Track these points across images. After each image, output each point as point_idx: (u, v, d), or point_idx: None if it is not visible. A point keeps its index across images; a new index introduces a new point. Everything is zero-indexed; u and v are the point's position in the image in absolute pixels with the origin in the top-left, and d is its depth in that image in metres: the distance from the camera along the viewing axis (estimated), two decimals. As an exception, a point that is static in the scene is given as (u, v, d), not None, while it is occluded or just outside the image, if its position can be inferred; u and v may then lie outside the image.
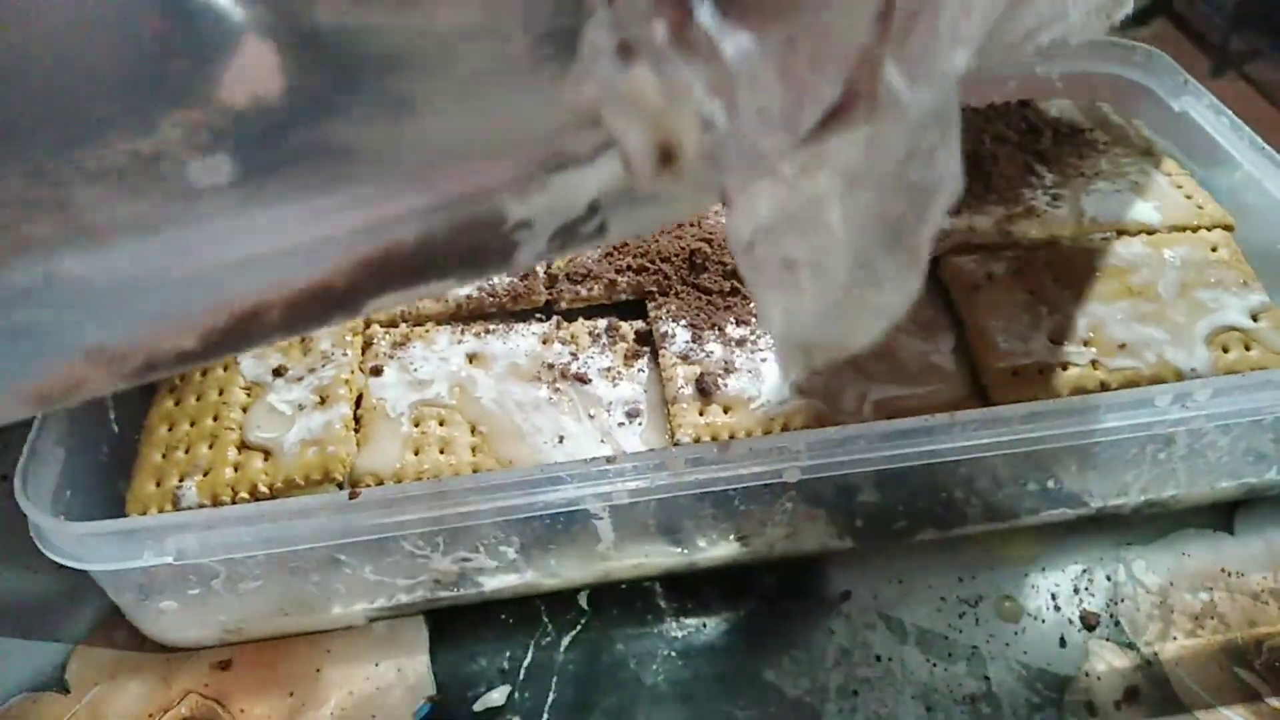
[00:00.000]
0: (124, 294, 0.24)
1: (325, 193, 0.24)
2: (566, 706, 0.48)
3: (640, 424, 0.51)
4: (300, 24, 0.22)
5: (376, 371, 0.52)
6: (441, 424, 0.51)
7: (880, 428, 0.47)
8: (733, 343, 0.53)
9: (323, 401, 0.51)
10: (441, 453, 0.49)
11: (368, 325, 0.55)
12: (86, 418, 0.50)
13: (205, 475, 0.49)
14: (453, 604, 0.51)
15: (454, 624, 0.51)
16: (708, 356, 0.52)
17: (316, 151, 0.24)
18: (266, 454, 0.49)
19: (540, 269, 0.56)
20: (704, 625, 0.51)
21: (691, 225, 0.58)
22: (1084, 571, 0.53)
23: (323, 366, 0.53)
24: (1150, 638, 0.49)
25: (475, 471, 0.48)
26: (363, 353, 0.54)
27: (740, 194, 0.24)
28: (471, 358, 0.53)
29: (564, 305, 0.56)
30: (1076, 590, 0.52)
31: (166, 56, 0.22)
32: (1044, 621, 0.51)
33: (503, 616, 0.52)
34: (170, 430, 0.52)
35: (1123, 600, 0.51)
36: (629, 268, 0.56)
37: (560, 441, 0.50)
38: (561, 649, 0.50)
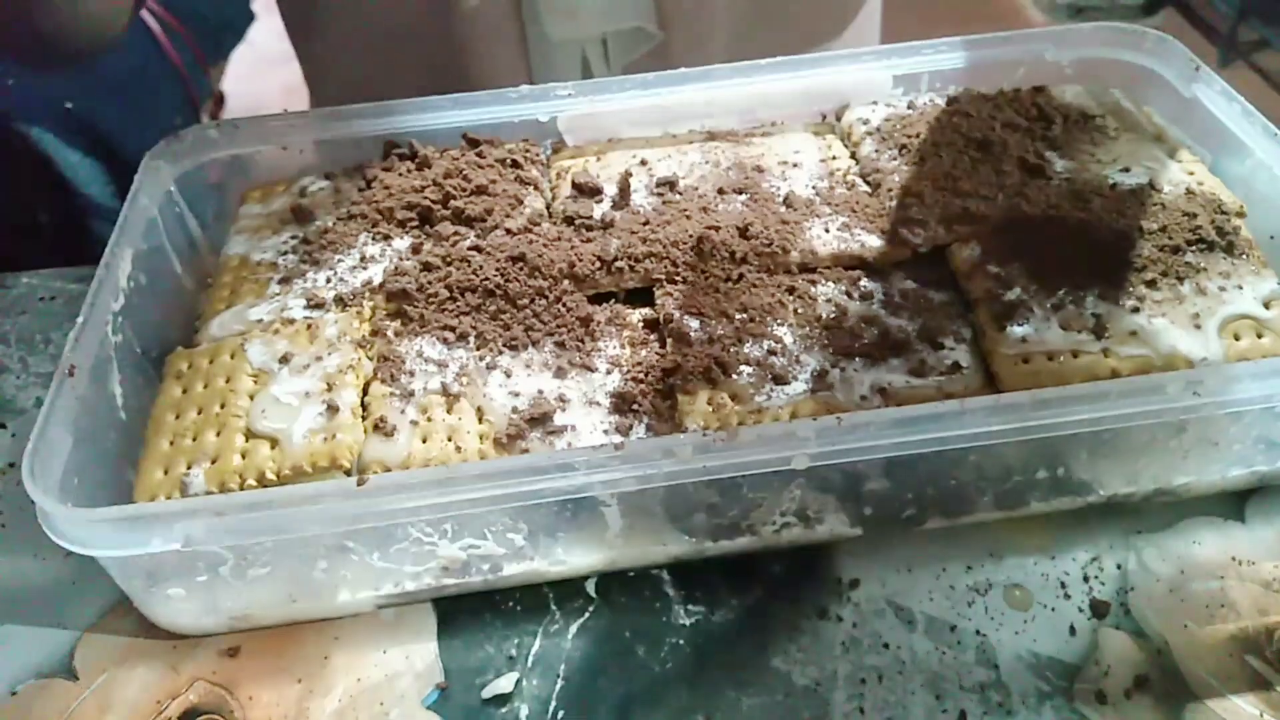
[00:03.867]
0: None
1: None
2: (574, 693, 0.48)
3: (647, 412, 0.50)
4: None
5: (384, 359, 0.52)
6: (449, 412, 0.50)
7: (889, 414, 0.46)
8: (741, 330, 0.52)
9: (329, 389, 0.51)
10: (449, 440, 0.49)
11: (375, 315, 0.55)
12: (94, 405, 0.50)
13: (213, 463, 0.49)
14: (460, 591, 0.51)
15: (462, 611, 0.51)
16: (715, 344, 0.52)
17: None
18: (274, 442, 0.49)
19: (552, 262, 0.56)
20: (712, 613, 0.51)
21: (702, 211, 0.58)
22: (1094, 560, 0.52)
23: (329, 355, 0.52)
24: (1160, 626, 0.49)
25: (482, 459, 0.48)
26: (370, 341, 0.54)
27: None
28: (479, 345, 0.53)
29: (573, 294, 0.56)
30: (1086, 578, 0.52)
31: None
32: (1054, 610, 0.50)
33: (510, 604, 0.52)
34: (177, 418, 0.52)
35: (1133, 588, 0.51)
36: (636, 255, 0.56)
37: (568, 429, 0.50)
38: (569, 636, 0.50)
